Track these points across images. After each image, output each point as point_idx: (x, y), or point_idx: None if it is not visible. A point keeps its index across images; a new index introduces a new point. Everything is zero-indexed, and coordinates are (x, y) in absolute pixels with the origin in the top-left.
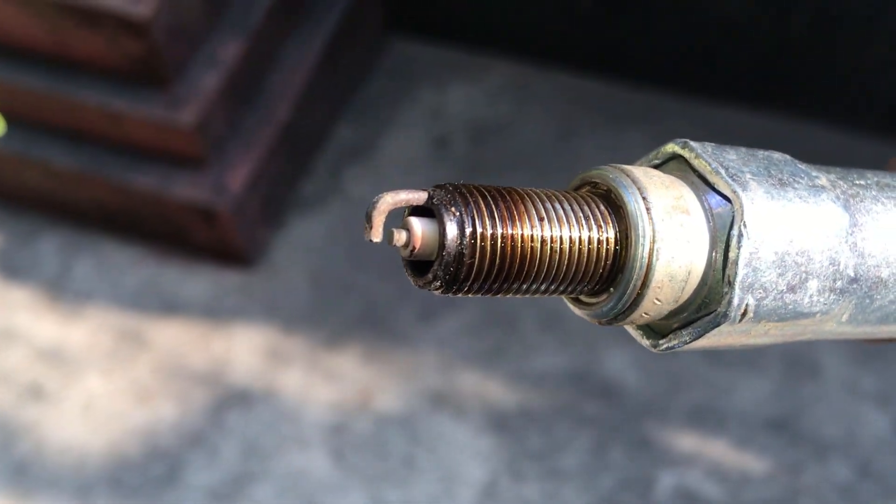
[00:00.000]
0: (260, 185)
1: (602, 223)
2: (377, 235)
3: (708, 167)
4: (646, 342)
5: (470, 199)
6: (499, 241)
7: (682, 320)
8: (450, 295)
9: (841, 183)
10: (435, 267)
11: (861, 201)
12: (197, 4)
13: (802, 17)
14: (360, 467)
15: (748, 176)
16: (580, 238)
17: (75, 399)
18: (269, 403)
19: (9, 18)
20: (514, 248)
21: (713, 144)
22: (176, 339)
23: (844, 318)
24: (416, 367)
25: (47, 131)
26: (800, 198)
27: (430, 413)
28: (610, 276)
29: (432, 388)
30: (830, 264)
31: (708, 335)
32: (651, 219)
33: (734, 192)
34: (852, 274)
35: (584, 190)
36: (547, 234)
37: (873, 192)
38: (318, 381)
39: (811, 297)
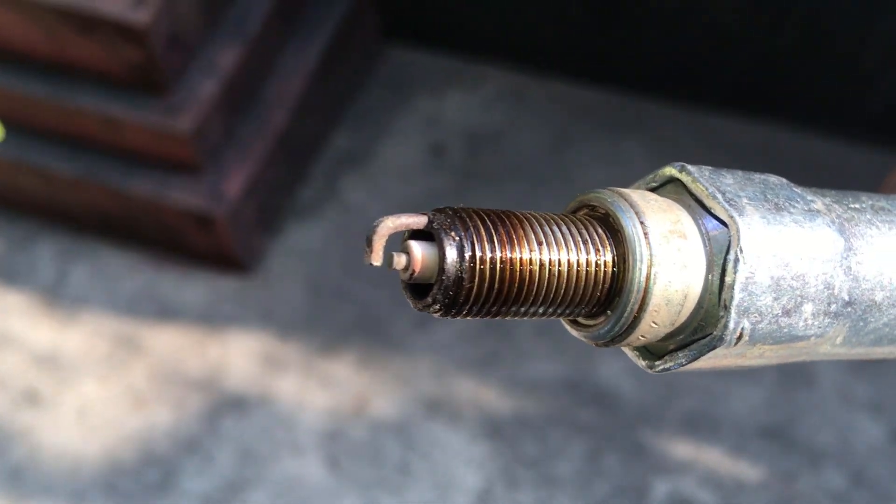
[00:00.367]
0: (256, 192)
1: (600, 247)
2: (377, 259)
3: (705, 191)
4: (642, 363)
5: (469, 224)
6: (498, 264)
7: (678, 342)
8: (449, 317)
9: (836, 207)
10: (434, 290)
11: (856, 225)
12: (195, 12)
13: (794, 27)
14: (354, 474)
15: (745, 201)
16: (578, 261)
17: (70, 404)
18: (265, 410)
19: (7, 24)
20: (512, 271)
21: (710, 168)
22: (172, 345)
23: (839, 340)
24: (410, 373)
25: (44, 137)
26: (795, 222)
27: (425, 420)
28: (607, 299)
29: (427, 394)
30: (825, 288)
31: (704, 358)
32: (648, 243)
33: (731, 216)
34: (847, 297)
35: (581, 213)
36: (545, 258)
37: (868, 216)
38: (314, 388)
39: (806, 320)
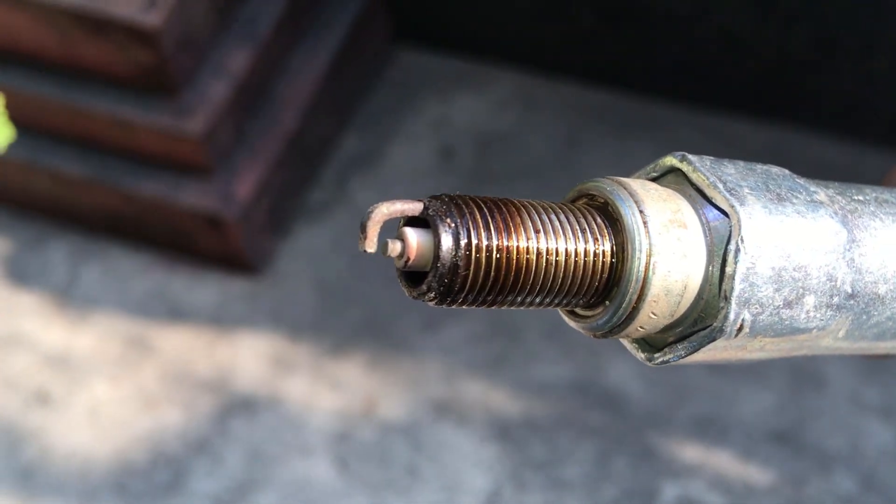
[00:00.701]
0: (266, 194)
1: (599, 236)
2: (371, 245)
3: (706, 181)
4: (641, 355)
5: (465, 210)
6: (494, 252)
7: (677, 334)
8: (444, 306)
9: (839, 198)
10: (429, 278)
11: (859, 217)
12: (206, 14)
13: (805, 30)
14: (363, 475)
15: (746, 190)
16: (576, 250)
17: (81, 405)
18: (274, 411)
19: (19, 27)
20: (509, 259)
21: (711, 158)
22: (182, 346)
23: (841, 333)
24: (419, 375)
25: (56, 138)
26: (798, 213)
27: (434, 422)
28: (606, 289)
29: (436, 396)
30: (828, 280)
31: (703, 349)
32: (648, 232)
33: (731, 206)
34: (850, 290)
35: (581, 202)
36: (543, 246)
37: (871, 208)
38: (323, 389)
39: (808, 312)
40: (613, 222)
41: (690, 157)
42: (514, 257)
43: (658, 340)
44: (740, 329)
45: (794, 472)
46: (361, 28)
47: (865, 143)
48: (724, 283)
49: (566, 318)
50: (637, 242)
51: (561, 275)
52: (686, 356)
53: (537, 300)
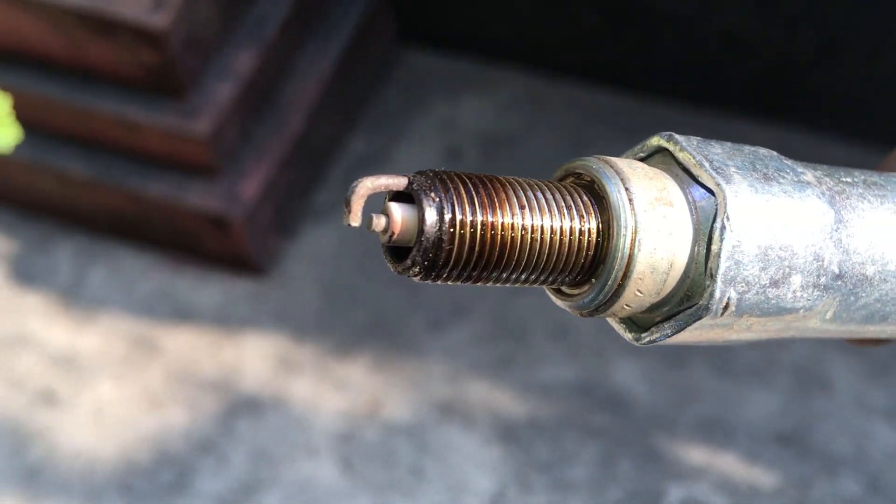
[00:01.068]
0: (272, 195)
1: (584, 213)
2: (356, 220)
3: (692, 160)
4: (628, 335)
5: (450, 185)
6: (478, 228)
7: (664, 314)
8: (428, 281)
9: (827, 179)
10: (413, 252)
11: (847, 198)
12: (213, 16)
13: (810, 30)
14: (367, 476)
15: (732, 169)
16: (561, 228)
17: (87, 405)
18: (279, 411)
19: (26, 27)
20: (493, 235)
21: (698, 138)
22: (187, 346)
23: (828, 315)
24: (424, 376)
25: (63, 139)
26: (784, 192)
27: (439, 423)
28: (591, 266)
29: (441, 397)
30: (814, 260)
31: (690, 328)
32: (633, 209)
33: (717, 184)
34: (837, 270)
35: (568, 181)
36: (528, 223)
37: (860, 190)
38: (328, 390)
39: (794, 292)
40: (599, 200)
41: (677, 136)
42: (499, 233)
43: (645, 320)
44: (726, 307)
45: (800, 474)
46: (368, 29)
47: (869, 145)
48: (709, 261)
49: (553, 297)
50: (622, 219)
51: (546, 251)
52: (672, 335)
53: (522, 277)
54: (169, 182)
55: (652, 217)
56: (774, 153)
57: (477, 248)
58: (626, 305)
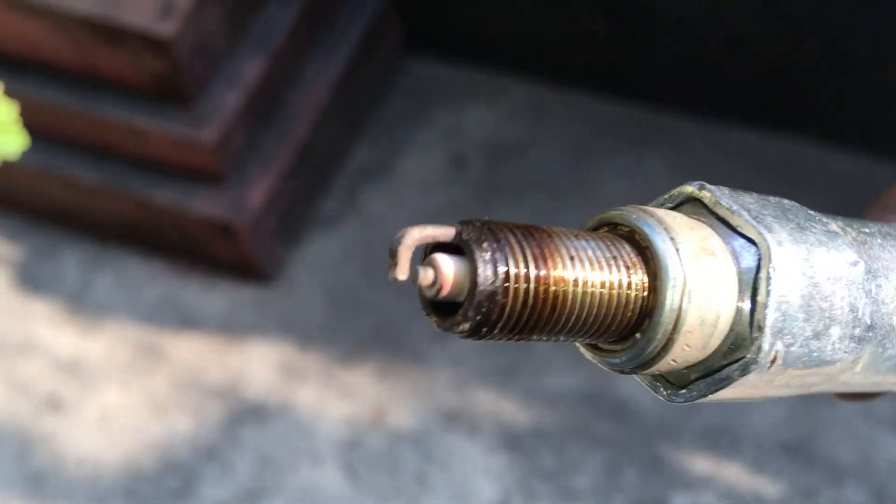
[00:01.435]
0: (278, 203)
1: (630, 265)
2: (403, 273)
3: (730, 210)
4: (663, 393)
5: (500, 236)
6: (532, 282)
7: (702, 370)
8: (471, 339)
9: (850, 230)
10: (465, 308)
11: (870, 248)
12: (219, 24)
13: (816, 40)
14: (372, 483)
15: (770, 219)
16: (610, 281)
17: (92, 411)
18: (284, 418)
19: (35, 35)
20: (546, 289)
21: (728, 188)
22: (193, 353)
23: (859, 367)
24: (429, 384)
25: (70, 146)
26: (820, 242)
27: (444, 431)
28: (637, 321)
29: (446, 405)
30: (850, 311)
31: (735, 384)
32: (681, 260)
33: (760, 234)
34: (869, 321)
35: (602, 230)
36: (579, 277)
37: (879, 241)
38: (333, 397)
39: (833, 344)
40: (642, 251)
41: (709, 186)
42: (551, 287)
43: (679, 377)
44: (773, 361)
45: (805, 484)
46: (374, 38)
47: (879, 156)
48: (756, 313)
49: (587, 354)
50: (671, 271)
51: (596, 305)
52: (716, 391)
53: (571, 332)
54: (175, 189)
55: (699, 268)
56: (796, 203)
57: (531, 302)
58: (673, 361)
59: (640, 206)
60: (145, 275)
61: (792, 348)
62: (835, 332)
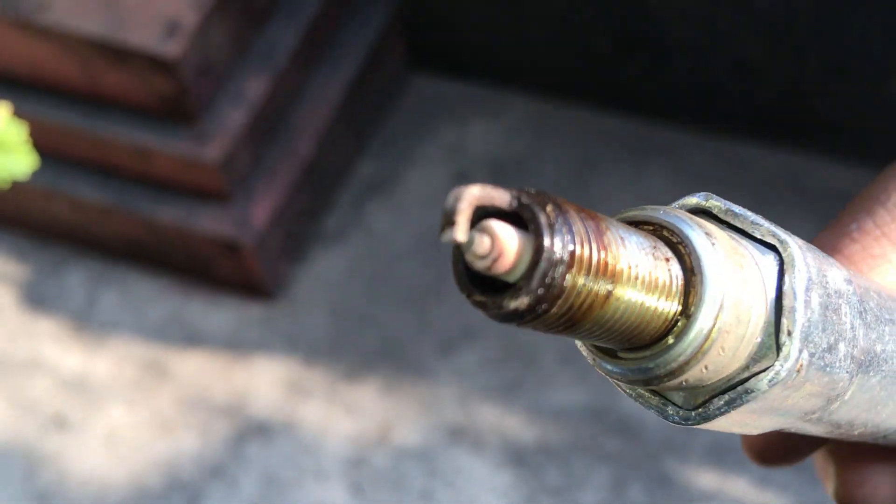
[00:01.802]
0: (283, 220)
1: (668, 257)
2: (463, 234)
3: (744, 218)
4: (680, 413)
5: (563, 209)
6: (593, 262)
7: (719, 386)
8: (514, 324)
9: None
10: (526, 277)
11: (855, 273)
12: (224, 43)
13: (818, 55)
14: (378, 500)
15: (779, 228)
16: (654, 275)
17: (98, 429)
18: (289, 436)
19: (42, 56)
20: (605, 266)
21: (728, 201)
22: (198, 370)
23: (847, 395)
24: (434, 400)
25: (76, 165)
26: (824, 256)
27: (449, 447)
28: (670, 324)
29: (451, 421)
30: (851, 329)
31: (761, 398)
32: (718, 256)
33: (782, 240)
34: (862, 344)
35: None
36: (633, 262)
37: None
38: (338, 414)
39: (840, 360)
40: (673, 246)
41: (715, 196)
42: (609, 269)
43: (691, 396)
44: (798, 370)
45: (812, 499)
46: (377, 55)
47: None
48: (783, 318)
49: (606, 364)
50: (709, 266)
51: (644, 296)
52: (740, 406)
53: (618, 323)
54: (181, 207)
55: (733, 265)
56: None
57: (591, 277)
58: (705, 368)
59: (663, 207)
60: (151, 293)
61: (813, 359)
62: (842, 348)
